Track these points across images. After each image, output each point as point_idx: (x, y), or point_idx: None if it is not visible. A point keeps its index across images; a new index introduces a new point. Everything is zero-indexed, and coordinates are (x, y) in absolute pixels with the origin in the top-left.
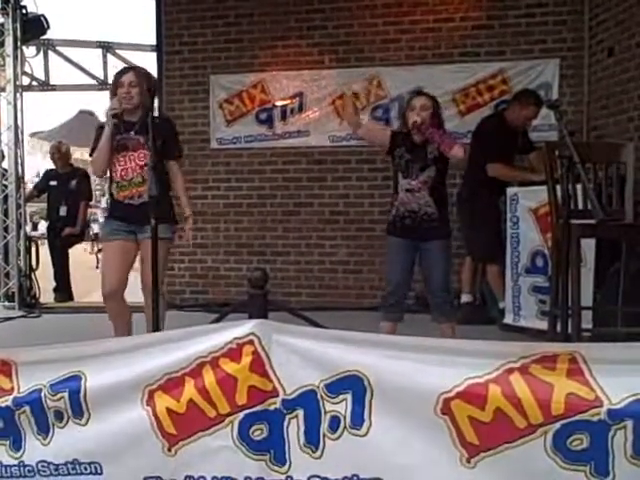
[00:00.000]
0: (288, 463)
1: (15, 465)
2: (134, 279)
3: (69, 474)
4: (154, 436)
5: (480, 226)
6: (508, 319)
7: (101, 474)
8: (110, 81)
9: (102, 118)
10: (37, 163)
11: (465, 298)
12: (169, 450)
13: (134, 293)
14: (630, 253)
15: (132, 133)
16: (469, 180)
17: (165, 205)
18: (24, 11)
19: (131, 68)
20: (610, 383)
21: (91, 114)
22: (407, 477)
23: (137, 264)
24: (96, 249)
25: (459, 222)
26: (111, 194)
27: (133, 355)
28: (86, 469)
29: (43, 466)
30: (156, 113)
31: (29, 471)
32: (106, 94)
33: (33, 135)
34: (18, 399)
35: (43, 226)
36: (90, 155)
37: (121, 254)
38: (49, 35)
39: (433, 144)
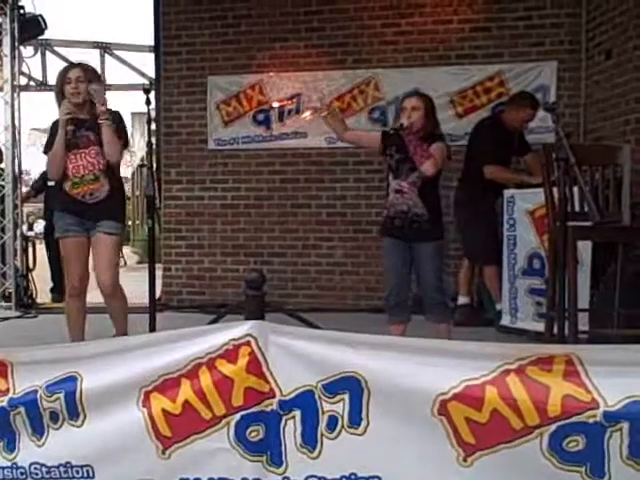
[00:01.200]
0: (285, 464)
1: (8, 467)
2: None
3: (61, 477)
4: (148, 438)
5: (477, 228)
6: (505, 321)
7: (93, 477)
8: (108, 82)
9: None
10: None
11: (462, 300)
12: (163, 453)
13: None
14: (626, 255)
15: (82, 130)
16: (466, 182)
17: (116, 202)
18: (22, 11)
19: (77, 64)
20: (606, 385)
21: None
22: (405, 475)
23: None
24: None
25: (456, 224)
26: (62, 189)
27: (129, 356)
28: (78, 472)
29: (36, 468)
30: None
31: (21, 473)
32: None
33: (34, 130)
34: (13, 400)
35: (39, 226)
36: (44, 152)
37: (81, 250)
38: (47, 35)
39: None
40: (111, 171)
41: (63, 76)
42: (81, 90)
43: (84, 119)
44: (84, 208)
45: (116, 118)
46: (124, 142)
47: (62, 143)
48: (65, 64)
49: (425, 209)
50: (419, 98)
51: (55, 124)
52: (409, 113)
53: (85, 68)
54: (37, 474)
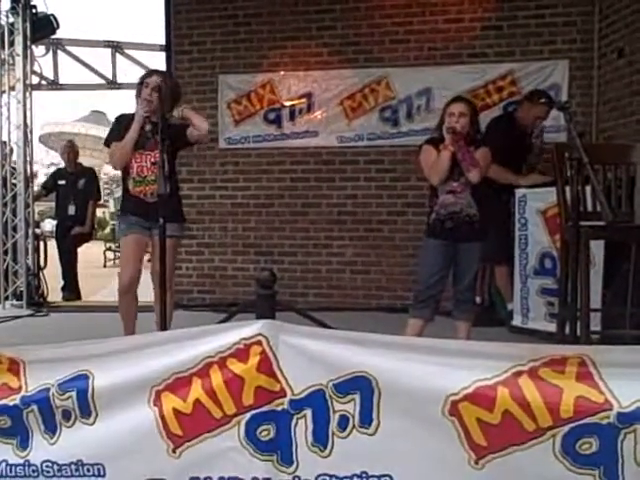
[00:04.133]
0: (295, 463)
1: (20, 464)
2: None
3: (72, 475)
4: (159, 437)
5: (490, 227)
6: (516, 321)
7: (104, 476)
8: (119, 80)
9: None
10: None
11: (477, 299)
12: (173, 452)
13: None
14: (639, 255)
15: (150, 133)
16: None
17: (174, 204)
18: (34, 10)
19: (158, 71)
20: (620, 386)
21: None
22: (416, 474)
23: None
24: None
25: None
26: (126, 188)
27: (140, 354)
28: (89, 470)
29: (47, 466)
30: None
31: (33, 471)
32: (115, 93)
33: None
34: (26, 398)
35: (47, 225)
36: (106, 144)
37: (137, 248)
38: (58, 34)
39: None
40: (172, 174)
41: (143, 81)
42: (154, 99)
43: (155, 122)
44: (145, 207)
45: (184, 128)
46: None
47: (134, 137)
48: (75, 62)
49: (476, 209)
50: (466, 104)
51: (120, 118)
52: (457, 118)
53: (164, 76)
54: (49, 472)
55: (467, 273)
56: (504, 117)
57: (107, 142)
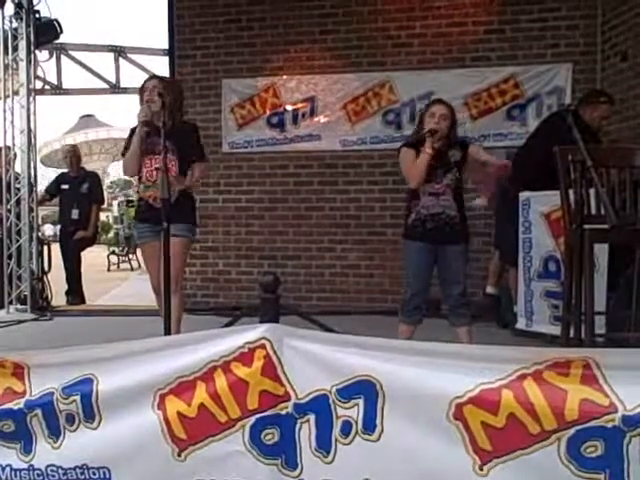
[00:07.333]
0: (299, 467)
1: (25, 469)
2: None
3: (77, 479)
4: (164, 441)
5: (516, 227)
6: (521, 324)
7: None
8: (122, 85)
9: (104, 120)
10: None
11: (490, 290)
12: (179, 455)
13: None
14: None
15: (158, 137)
16: (525, 178)
17: (184, 205)
18: (37, 15)
19: (157, 76)
20: (625, 389)
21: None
22: None
23: None
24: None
25: (495, 216)
26: (138, 193)
27: (145, 358)
28: (94, 474)
29: (52, 470)
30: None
31: (38, 475)
32: (118, 97)
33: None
34: (30, 402)
35: (48, 229)
36: (122, 155)
37: (155, 254)
38: (62, 39)
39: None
40: (182, 178)
41: (142, 85)
42: (156, 99)
43: (157, 126)
44: (154, 213)
45: (192, 129)
46: (201, 154)
47: (138, 144)
48: (78, 67)
49: (457, 210)
50: (447, 107)
51: (134, 129)
52: (438, 120)
53: (163, 80)
54: (54, 476)
55: (454, 278)
56: (560, 114)
57: (122, 154)
